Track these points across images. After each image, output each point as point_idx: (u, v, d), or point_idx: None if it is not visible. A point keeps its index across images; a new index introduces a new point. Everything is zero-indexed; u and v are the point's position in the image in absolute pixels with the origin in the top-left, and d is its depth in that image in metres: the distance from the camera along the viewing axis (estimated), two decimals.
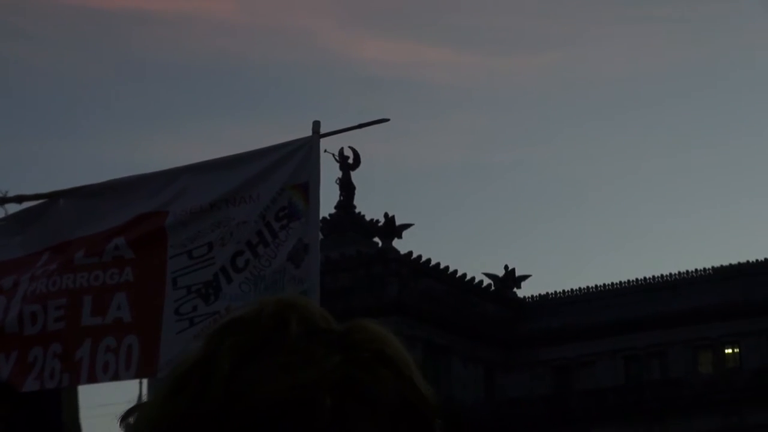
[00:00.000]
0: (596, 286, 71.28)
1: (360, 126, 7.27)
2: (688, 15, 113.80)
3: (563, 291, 72.42)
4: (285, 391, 1.31)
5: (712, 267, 68.40)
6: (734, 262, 67.70)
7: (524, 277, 72.52)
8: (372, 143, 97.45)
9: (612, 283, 71.19)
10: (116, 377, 6.51)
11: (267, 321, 1.38)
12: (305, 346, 1.35)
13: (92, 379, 6.52)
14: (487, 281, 71.16)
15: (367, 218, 68.10)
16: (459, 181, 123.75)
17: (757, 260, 67.02)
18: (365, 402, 1.33)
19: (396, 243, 65.99)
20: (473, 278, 70.14)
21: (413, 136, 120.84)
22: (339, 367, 1.34)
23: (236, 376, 1.33)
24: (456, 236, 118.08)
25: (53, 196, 7.10)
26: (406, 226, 66.53)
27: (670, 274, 69.34)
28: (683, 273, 69.11)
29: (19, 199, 7.12)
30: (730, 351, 64.30)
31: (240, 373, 1.33)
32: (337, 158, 66.07)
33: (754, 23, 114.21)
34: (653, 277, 70.34)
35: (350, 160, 67.78)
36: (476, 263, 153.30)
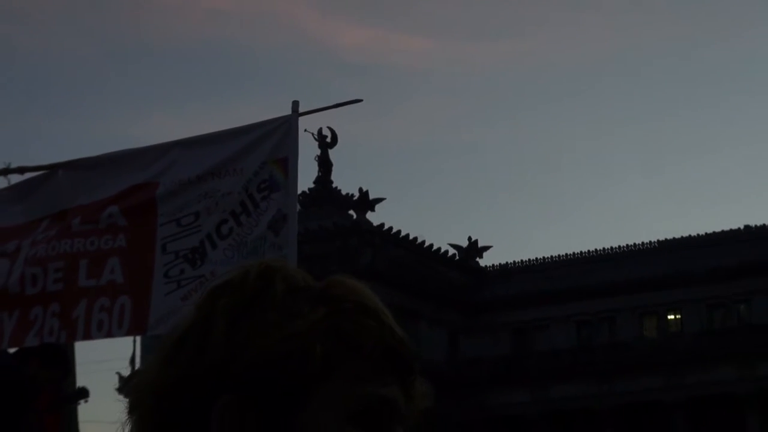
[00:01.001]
0: (551, 256, 71.03)
1: (335, 106, 7.22)
2: (631, 7, 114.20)
3: (521, 261, 72.17)
4: (279, 342, 1.31)
5: (657, 240, 68.54)
6: (677, 236, 67.59)
7: (486, 248, 72.32)
8: (348, 123, 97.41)
9: (566, 253, 70.94)
10: (109, 335, 6.45)
11: (253, 282, 1.38)
12: (291, 302, 1.35)
13: (87, 336, 6.49)
14: (452, 251, 71.01)
15: (343, 192, 67.63)
16: (427, 159, 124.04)
17: (698, 234, 66.95)
18: (352, 348, 1.32)
19: (369, 215, 65.57)
20: (439, 248, 69.93)
21: (386, 117, 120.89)
22: (325, 317, 1.33)
23: (232, 333, 1.33)
24: (424, 209, 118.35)
25: (53, 168, 7.02)
26: (379, 200, 66.24)
27: (618, 246, 69.37)
28: (630, 245, 69.12)
29: (21, 170, 7.05)
30: (672, 317, 64.44)
31: (235, 330, 1.33)
32: (316, 137, 65.66)
33: (692, 17, 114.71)
34: (603, 248, 70.40)
35: (328, 139, 67.40)
36: (442, 234, 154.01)
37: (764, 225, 64.90)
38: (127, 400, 1.42)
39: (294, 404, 1.32)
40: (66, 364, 6.41)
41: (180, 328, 1.39)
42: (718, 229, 67.10)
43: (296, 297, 1.36)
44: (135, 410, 1.39)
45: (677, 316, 64.08)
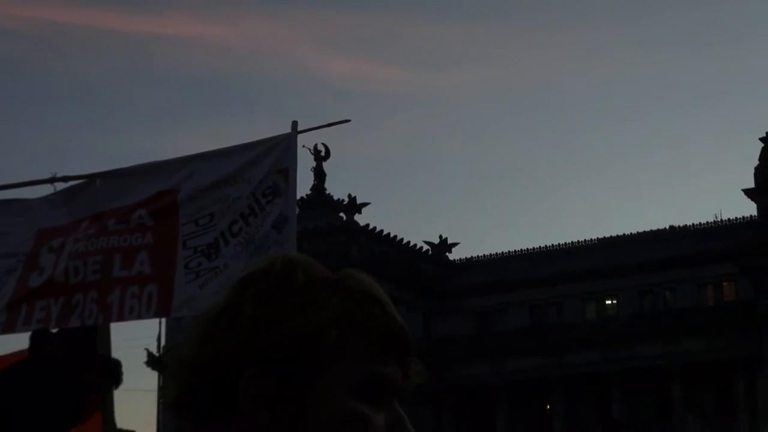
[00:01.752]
0: (509, 251, 70.46)
1: (328, 125, 7.02)
2: (576, 42, 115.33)
3: (483, 255, 71.38)
4: (299, 326, 1.28)
5: (597, 237, 68.23)
6: (614, 234, 67.64)
7: (454, 244, 71.83)
8: (339, 140, 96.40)
9: (521, 249, 70.28)
10: (139, 317, 6.35)
11: (278, 272, 1.35)
12: (310, 291, 1.32)
13: (121, 318, 6.34)
14: (426, 247, 70.63)
15: (335, 198, 66.85)
16: (405, 170, 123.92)
17: (631, 233, 66.94)
18: (360, 332, 1.30)
19: (357, 217, 65.52)
20: (416, 245, 69.69)
21: (371, 135, 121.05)
22: (338, 306, 1.31)
23: (259, 315, 1.30)
24: (403, 212, 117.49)
25: (92, 177, 6.86)
26: (365, 204, 66.00)
27: (565, 242, 68.72)
28: (574, 242, 68.22)
29: (65, 179, 6.86)
30: (609, 302, 64.14)
31: (261, 314, 1.30)
32: (312, 152, 64.87)
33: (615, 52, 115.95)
34: (552, 245, 69.39)
35: (322, 153, 66.76)
36: (418, 233, 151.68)
37: (686, 225, 64.84)
38: (165, 372, 1.41)
39: (308, 378, 1.30)
40: (119, 376, 6.13)
41: (214, 309, 1.37)
42: (647, 229, 66.82)
43: (314, 287, 1.33)
44: (172, 380, 1.38)
45: (614, 301, 63.71)
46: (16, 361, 6.02)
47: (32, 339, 6.06)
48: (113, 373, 6.13)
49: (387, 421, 1.32)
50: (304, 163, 62.95)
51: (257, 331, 1.29)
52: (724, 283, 60.16)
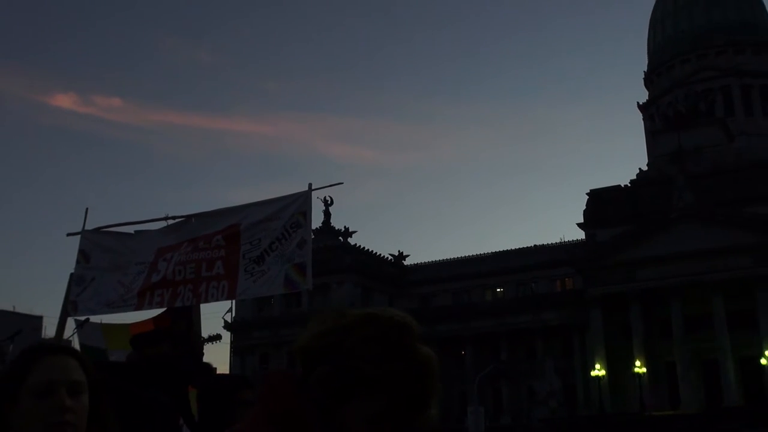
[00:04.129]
0: (441, 259, 67.84)
1: (330, 185, 6.56)
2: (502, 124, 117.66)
3: (424, 262, 68.55)
4: (373, 369, 1.18)
5: (492, 251, 64.71)
6: (505, 249, 63.74)
7: (406, 256, 69.41)
8: (338, 193, 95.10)
9: (447, 258, 67.62)
10: (216, 300, 5.90)
11: (386, 327, 1.20)
12: (395, 350, 1.20)
13: (206, 300, 5.91)
14: (390, 257, 68.14)
15: (336, 228, 64.55)
16: (379, 212, 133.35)
17: (512, 248, 63.22)
18: (383, 388, 1.18)
19: (350, 240, 64.15)
20: (385, 256, 67.66)
21: (356, 191, 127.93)
22: (401, 371, 1.18)
23: (341, 337, 1.20)
24: (377, 236, 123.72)
25: (189, 217, 6.43)
26: (354, 231, 64.68)
27: (475, 253, 65.04)
28: (479, 253, 65.16)
29: (173, 218, 6.47)
30: (499, 290, 62.03)
31: (361, 346, 1.19)
32: (322, 201, 63.39)
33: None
34: (464, 255, 65.65)
35: (329, 202, 64.69)
36: (385, 248, 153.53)
37: (544, 244, 62.06)
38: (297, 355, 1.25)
39: (350, 390, 1.17)
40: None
41: (323, 326, 1.21)
42: (521, 246, 64.16)
43: (400, 348, 1.18)
44: (297, 350, 1.26)
45: (501, 289, 61.96)
46: (148, 329, 5.40)
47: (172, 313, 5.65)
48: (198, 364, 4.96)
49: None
50: (317, 208, 62.75)
51: (336, 344, 1.20)
52: (566, 279, 58.37)
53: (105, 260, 6.26)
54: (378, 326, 1.22)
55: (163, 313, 5.84)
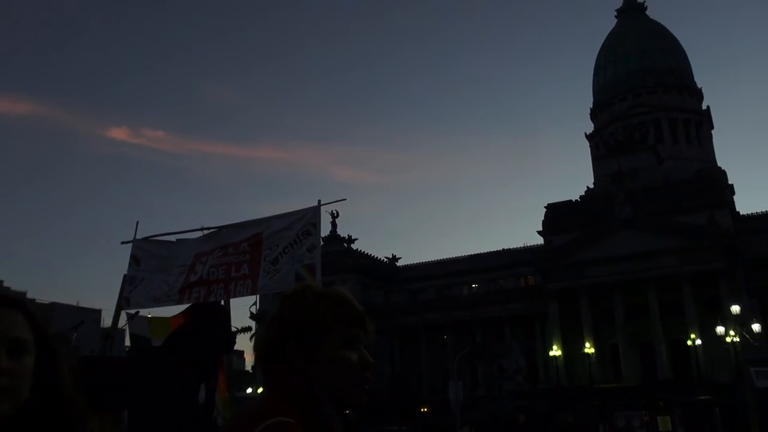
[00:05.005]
0: (427, 261, 66.91)
1: (336, 201, 6.34)
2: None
3: (413, 263, 67.19)
4: (313, 317, 1.19)
5: (468, 254, 63.76)
6: (479, 252, 62.83)
7: (399, 258, 68.14)
8: (343, 208, 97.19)
9: (433, 259, 66.61)
10: (243, 294, 5.68)
11: (300, 293, 1.22)
12: (315, 301, 1.23)
13: (235, 296, 5.69)
14: (386, 259, 66.92)
15: (341, 236, 63.20)
16: (378, 223, 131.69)
17: (487, 251, 62.21)
18: (340, 318, 1.22)
19: (353, 245, 62.82)
20: (380, 258, 66.49)
21: (358, 206, 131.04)
22: (329, 306, 1.22)
23: (294, 312, 1.22)
24: (374, 241, 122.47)
25: (220, 228, 6.19)
26: (355, 239, 63.53)
27: (456, 256, 64.47)
28: (458, 256, 64.10)
29: (207, 228, 6.22)
30: (475, 286, 60.92)
31: (293, 314, 1.21)
32: (330, 214, 61.95)
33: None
34: (445, 258, 64.98)
35: (335, 215, 63.53)
36: (381, 252, 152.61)
37: (510, 248, 61.15)
38: (255, 335, 1.84)
39: (318, 342, 1.19)
40: (233, 344, 4.85)
41: (273, 309, 1.22)
42: (492, 249, 63.50)
43: (317, 298, 1.23)
44: (258, 341, 1.27)
45: (476, 285, 60.91)
46: (184, 321, 5.23)
47: (194, 310, 5.39)
48: (231, 339, 4.89)
49: (358, 357, 1.25)
50: (326, 220, 61.18)
51: (295, 320, 1.23)
52: (528, 277, 57.34)
53: (152, 263, 6.19)
54: (295, 297, 1.28)
55: (184, 310, 5.66)
